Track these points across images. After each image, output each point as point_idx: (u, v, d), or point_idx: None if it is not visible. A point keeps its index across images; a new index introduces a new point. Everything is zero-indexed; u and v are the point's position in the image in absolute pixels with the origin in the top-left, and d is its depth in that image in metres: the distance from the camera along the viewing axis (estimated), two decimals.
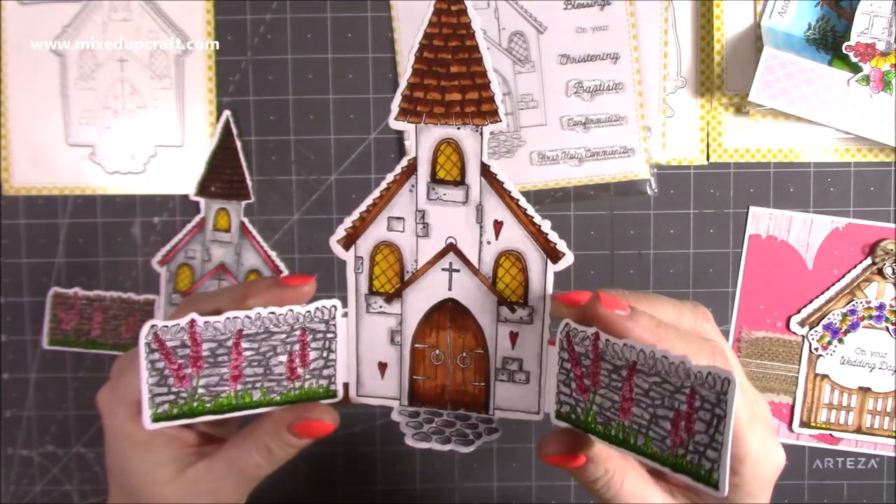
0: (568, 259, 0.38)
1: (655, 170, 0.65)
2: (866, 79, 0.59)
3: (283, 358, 0.38)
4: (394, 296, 0.39)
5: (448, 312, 0.39)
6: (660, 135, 0.64)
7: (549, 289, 0.38)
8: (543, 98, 0.64)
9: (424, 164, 0.38)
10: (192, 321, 0.37)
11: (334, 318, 0.39)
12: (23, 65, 0.65)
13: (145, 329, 0.36)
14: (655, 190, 0.65)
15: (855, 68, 0.59)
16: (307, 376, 0.39)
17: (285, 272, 0.65)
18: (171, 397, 0.37)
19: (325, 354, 0.39)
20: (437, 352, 0.39)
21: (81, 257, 0.67)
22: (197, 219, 0.66)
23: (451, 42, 0.37)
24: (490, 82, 0.37)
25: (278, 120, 0.66)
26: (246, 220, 0.66)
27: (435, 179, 0.38)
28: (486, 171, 0.38)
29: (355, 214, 0.39)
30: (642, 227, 0.65)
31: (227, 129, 0.65)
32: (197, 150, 0.66)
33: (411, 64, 0.37)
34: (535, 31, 0.64)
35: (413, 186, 0.38)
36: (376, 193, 0.38)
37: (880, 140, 0.60)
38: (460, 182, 0.38)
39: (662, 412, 0.34)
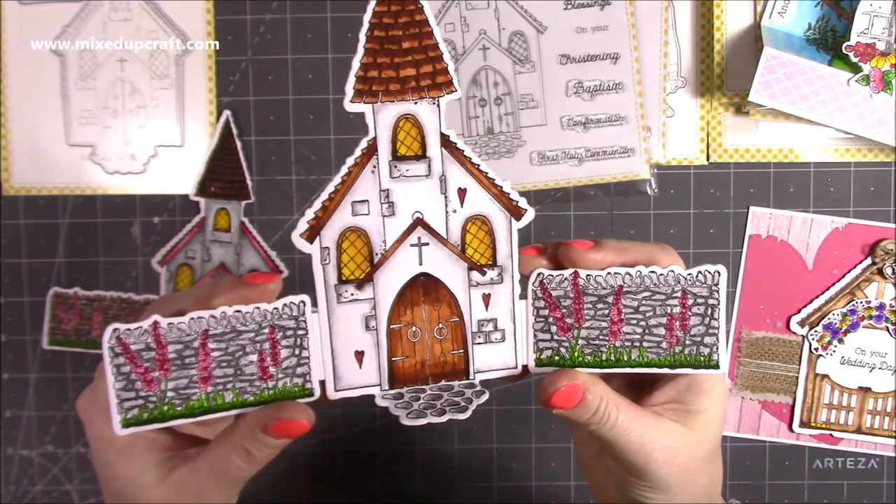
0: (530, 214, 0.39)
1: (655, 170, 0.65)
2: (866, 79, 0.59)
3: (254, 357, 0.38)
4: (365, 281, 0.39)
5: (421, 287, 0.39)
6: (660, 135, 0.64)
7: (515, 245, 0.40)
8: (543, 98, 0.64)
9: (384, 142, 0.38)
10: (156, 323, 0.36)
11: (304, 313, 0.38)
12: (23, 65, 0.65)
13: (108, 333, 0.36)
14: (655, 190, 0.65)
15: (855, 68, 0.59)
16: (280, 375, 0.38)
17: (285, 272, 0.65)
18: (140, 402, 0.37)
19: (297, 352, 0.38)
20: (414, 328, 0.39)
21: (81, 257, 0.67)
22: (197, 219, 0.66)
23: (400, 18, 0.37)
24: (443, 54, 0.37)
25: (278, 120, 0.66)
26: (246, 220, 0.66)
27: (396, 157, 0.38)
28: (445, 141, 0.38)
29: (317, 205, 0.38)
30: (642, 227, 0.65)
31: (227, 129, 0.65)
32: (197, 150, 0.66)
33: (363, 44, 0.37)
34: (535, 31, 0.64)
35: (375, 167, 0.38)
36: (337, 180, 0.38)
37: (880, 140, 0.60)
38: (422, 156, 0.38)
39: (655, 321, 0.38)
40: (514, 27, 0.64)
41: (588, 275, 0.38)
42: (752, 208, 0.65)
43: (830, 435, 0.65)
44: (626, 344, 0.39)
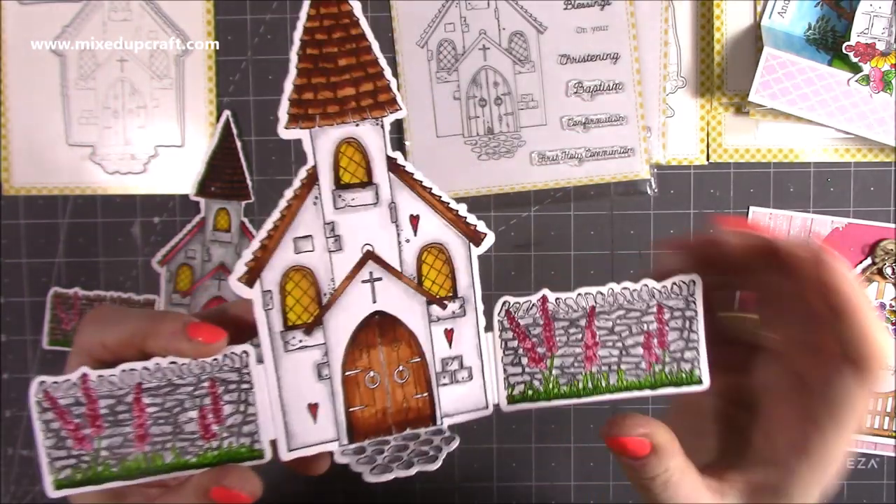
0: (490, 238, 0.36)
1: (655, 170, 0.65)
2: (866, 79, 0.59)
3: (194, 414, 0.34)
4: (314, 325, 0.35)
5: (376, 327, 0.35)
6: (660, 135, 0.64)
7: (476, 273, 0.36)
8: (543, 98, 0.64)
9: (326, 170, 0.34)
10: (84, 376, 0.33)
11: (247, 365, 0.34)
12: (23, 65, 0.65)
13: (34, 386, 0.33)
14: (655, 190, 0.65)
15: (855, 68, 0.59)
16: (224, 434, 0.34)
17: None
18: (73, 461, 0.33)
19: (242, 408, 0.34)
20: (372, 374, 0.35)
21: (81, 257, 0.67)
22: (197, 219, 0.66)
23: (334, 34, 0.34)
24: (383, 69, 0.34)
25: (278, 120, 0.65)
26: (246, 220, 0.66)
27: (340, 185, 0.34)
28: (393, 165, 0.35)
29: (255, 244, 0.34)
30: (642, 227, 0.65)
31: (227, 129, 0.65)
32: (197, 150, 0.66)
33: (294, 64, 0.34)
34: (535, 31, 0.64)
35: (317, 198, 0.34)
36: (276, 215, 0.34)
37: (880, 140, 0.60)
38: (368, 182, 0.35)
39: (632, 340, 0.36)
40: (514, 27, 0.64)
41: (557, 298, 0.36)
42: (752, 208, 0.65)
43: None
44: (604, 369, 0.36)
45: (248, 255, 0.34)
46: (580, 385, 0.36)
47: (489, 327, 0.36)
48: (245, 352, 0.34)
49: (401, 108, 0.35)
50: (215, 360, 0.34)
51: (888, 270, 0.64)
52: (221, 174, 0.65)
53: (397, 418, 0.36)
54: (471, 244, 0.36)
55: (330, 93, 0.34)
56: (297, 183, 0.34)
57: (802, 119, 0.61)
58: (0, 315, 0.67)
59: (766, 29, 0.62)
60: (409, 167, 0.35)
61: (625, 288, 0.36)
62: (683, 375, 0.36)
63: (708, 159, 0.65)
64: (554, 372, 0.36)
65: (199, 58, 0.65)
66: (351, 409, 0.35)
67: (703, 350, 0.36)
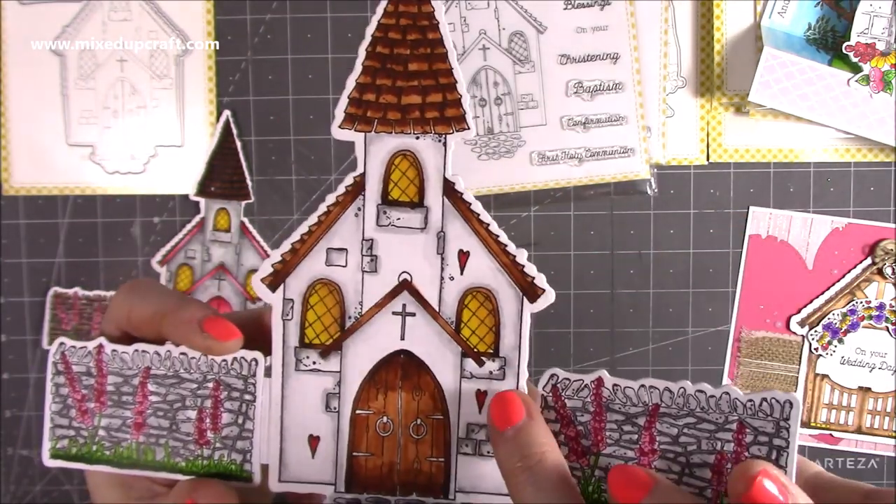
0: (549, 297, 0.31)
1: (655, 170, 0.65)
2: (866, 79, 0.59)
3: (192, 414, 0.32)
4: (331, 348, 0.31)
5: (400, 368, 0.31)
6: (660, 135, 0.64)
7: (526, 333, 0.31)
8: (543, 98, 0.64)
9: (375, 181, 0.31)
10: (100, 347, 0.33)
11: (254, 375, 0.32)
12: (23, 65, 0.65)
13: (54, 346, 0.33)
14: (655, 190, 0.65)
15: (855, 68, 0.59)
16: (218, 444, 0.32)
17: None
18: (72, 433, 0.33)
19: (240, 421, 0.32)
20: (385, 419, 0.32)
21: (81, 257, 0.67)
22: (197, 219, 0.66)
23: (409, 35, 0.30)
24: (457, 82, 0.30)
25: (278, 120, 0.66)
26: (246, 220, 0.66)
27: (387, 200, 0.31)
28: (449, 190, 0.31)
29: (286, 245, 0.31)
30: (642, 227, 0.65)
31: (227, 129, 0.65)
32: (197, 150, 0.66)
33: (361, 60, 0.31)
34: (535, 31, 0.64)
35: (360, 209, 0.31)
36: (313, 219, 0.31)
37: (880, 140, 0.60)
38: (418, 204, 0.31)
39: (699, 458, 0.29)
40: (514, 27, 0.64)
41: (615, 385, 0.30)
42: (752, 208, 0.65)
43: (830, 435, 0.65)
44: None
45: (276, 255, 0.31)
46: None
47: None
48: (255, 360, 0.32)
49: (469, 128, 0.31)
50: (224, 360, 0.32)
51: (888, 270, 0.64)
52: (221, 174, 0.65)
53: (405, 478, 0.31)
54: (525, 298, 0.31)
55: (394, 97, 0.31)
56: (341, 189, 0.31)
57: (802, 119, 0.61)
58: (0, 315, 0.67)
59: (766, 29, 0.62)
60: (468, 196, 0.31)
61: (700, 391, 0.29)
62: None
63: (708, 159, 0.65)
64: (597, 473, 0.30)
65: (199, 58, 0.65)
66: (354, 454, 0.32)
67: (794, 489, 0.26)
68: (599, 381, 0.30)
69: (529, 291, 0.31)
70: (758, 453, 0.28)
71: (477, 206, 0.31)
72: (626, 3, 0.63)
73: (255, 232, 0.66)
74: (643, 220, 0.65)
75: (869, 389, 0.65)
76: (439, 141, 0.31)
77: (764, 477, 0.26)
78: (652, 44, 0.64)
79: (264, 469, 0.32)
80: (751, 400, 0.29)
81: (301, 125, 0.65)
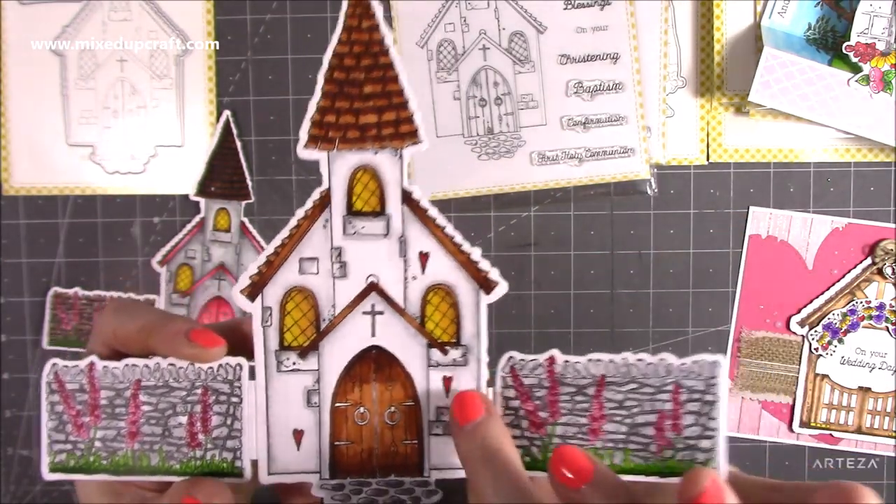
0: (502, 288, 0.35)
1: (655, 170, 0.65)
2: (866, 79, 0.59)
3: (184, 419, 0.35)
4: (309, 349, 0.35)
5: (372, 362, 0.35)
6: (660, 135, 0.64)
7: (484, 322, 0.35)
8: (543, 98, 0.64)
9: (339, 194, 0.34)
10: (92, 364, 0.35)
11: (239, 378, 0.34)
12: (23, 65, 0.65)
13: (47, 367, 0.35)
14: (655, 190, 0.65)
15: (855, 68, 0.59)
16: (209, 445, 0.35)
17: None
18: (69, 446, 0.35)
19: (228, 422, 0.35)
20: (362, 410, 0.35)
21: (81, 257, 0.67)
22: (197, 219, 0.66)
23: (363, 60, 0.35)
24: (408, 101, 0.34)
25: (278, 120, 0.66)
26: (246, 220, 0.66)
27: (352, 211, 0.34)
28: (407, 198, 0.34)
29: (261, 259, 0.35)
30: (642, 227, 0.65)
31: (227, 129, 0.65)
32: (197, 150, 0.66)
33: (320, 86, 0.34)
34: (535, 31, 0.64)
35: (327, 221, 0.34)
36: (285, 233, 0.35)
37: (880, 140, 0.60)
38: (380, 212, 0.34)
39: (643, 419, 0.33)
40: (514, 27, 0.64)
41: (566, 361, 0.34)
42: (752, 208, 0.65)
43: (830, 435, 0.65)
44: (609, 445, 0.33)
45: (252, 268, 0.35)
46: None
47: (491, 382, 0.35)
48: (239, 364, 0.35)
49: (421, 141, 0.35)
50: (210, 367, 0.35)
51: (888, 270, 0.64)
52: (221, 174, 0.65)
53: (383, 461, 0.35)
54: (481, 291, 0.35)
55: (352, 118, 0.34)
56: (309, 203, 0.35)
57: (802, 119, 0.61)
58: (0, 315, 0.67)
59: (766, 29, 0.62)
60: (425, 202, 0.34)
61: (639, 359, 0.33)
62: (697, 466, 0.32)
63: (708, 159, 0.65)
64: (555, 440, 0.34)
65: (199, 58, 0.65)
66: (336, 443, 0.35)
67: (721, 440, 0.32)
68: (552, 360, 0.34)
69: (485, 285, 0.35)
70: (691, 409, 0.33)
71: (433, 212, 0.35)
72: (626, 3, 0.63)
73: (255, 232, 0.66)
74: (643, 220, 0.65)
75: (869, 389, 0.65)
76: (396, 155, 0.34)
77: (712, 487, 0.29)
78: (652, 44, 0.64)
79: (254, 465, 0.35)
80: (683, 363, 0.33)
81: (301, 125, 0.65)
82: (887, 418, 0.65)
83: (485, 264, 0.35)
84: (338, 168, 0.34)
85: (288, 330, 0.35)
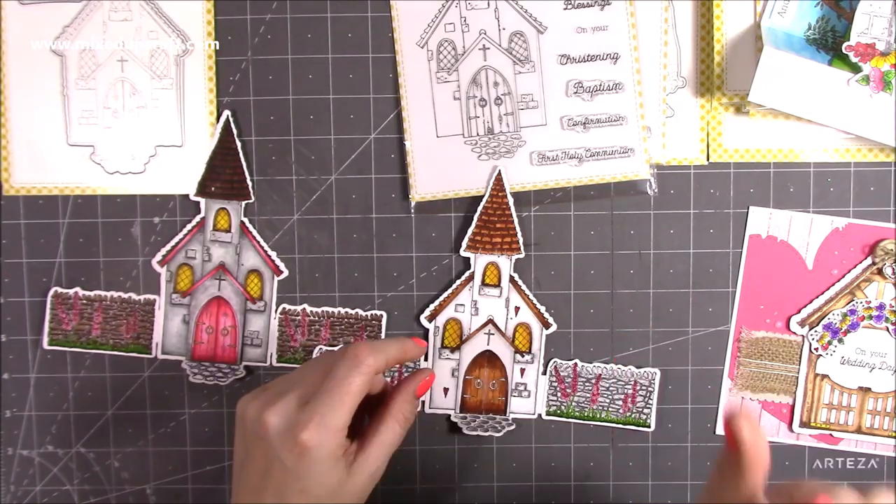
0: (554, 327, 0.64)
1: (655, 170, 0.65)
2: (866, 79, 0.59)
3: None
4: (455, 349, 0.64)
5: (486, 358, 0.65)
6: (660, 135, 0.64)
7: (543, 343, 0.65)
8: (543, 98, 0.64)
9: (478, 275, 0.64)
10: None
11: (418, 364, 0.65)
12: (23, 65, 0.65)
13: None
14: (655, 190, 0.65)
15: (855, 68, 0.59)
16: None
17: (285, 272, 0.66)
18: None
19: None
20: (479, 381, 0.65)
21: (81, 257, 0.67)
22: (197, 219, 0.66)
23: (497, 212, 0.63)
24: (517, 232, 0.63)
25: (278, 120, 0.66)
26: (246, 220, 0.66)
27: (484, 283, 0.64)
28: (512, 279, 0.64)
29: (437, 301, 0.65)
30: (642, 227, 0.65)
31: (227, 129, 0.65)
32: (197, 150, 0.66)
33: (475, 221, 0.63)
34: (535, 31, 0.64)
35: (470, 287, 0.64)
36: (450, 291, 0.64)
37: (880, 140, 0.60)
38: (497, 285, 0.64)
39: (618, 396, 0.64)
40: (514, 27, 0.64)
41: (584, 366, 0.64)
42: (752, 208, 0.65)
43: (830, 435, 0.66)
44: (599, 408, 0.65)
45: (432, 307, 0.64)
46: (586, 413, 0.65)
47: (544, 373, 0.65)
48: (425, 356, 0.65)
49: (521, 252, 0.64)
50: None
51: (888, 270, 0.64)
52: (221, 174, 0.65)
53: (487, 407, 0.65)
54: (542, 327, 0.64)
55: (489, 238, 0.63)
56: (464, 277, 0.64)
57: (802, 119, 0.61)
58: (0, 315, 0.67)
59: (766, 29, 0.62)
60: (520, 283, 0.64)
61: (618, 368, 0.64)
62: (640, 421, 0.65)
63: (708, 159, 0.65)
64: (573, 404, 0.65)
65: (199, 58, 0.65)
66: (464, 396, 0.65)
67: (653, 411, 0.65)
68: (575, 365, 0.65)
69: (545, 323, 0.65)
70: (641, 394, 0.66)
71: (524, 287, 0.64)
72: (626, 3, 0.63)
73: (255, 232, 0.66)
74: (643, 220, 0.65)
75: (869, 389, 0.65)
76: (508, 258, 0.65)
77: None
78: (652, 44, 0.64)
79: (422, 403, 0.66)
80: (640, 371, 0.66)
81: (301, 125, 0.65)
82: (887, 418, 0.65)
83: (547, 315, 0.64)
84: (479, 262, 0.64)
85: (447, 338, 0.65)
